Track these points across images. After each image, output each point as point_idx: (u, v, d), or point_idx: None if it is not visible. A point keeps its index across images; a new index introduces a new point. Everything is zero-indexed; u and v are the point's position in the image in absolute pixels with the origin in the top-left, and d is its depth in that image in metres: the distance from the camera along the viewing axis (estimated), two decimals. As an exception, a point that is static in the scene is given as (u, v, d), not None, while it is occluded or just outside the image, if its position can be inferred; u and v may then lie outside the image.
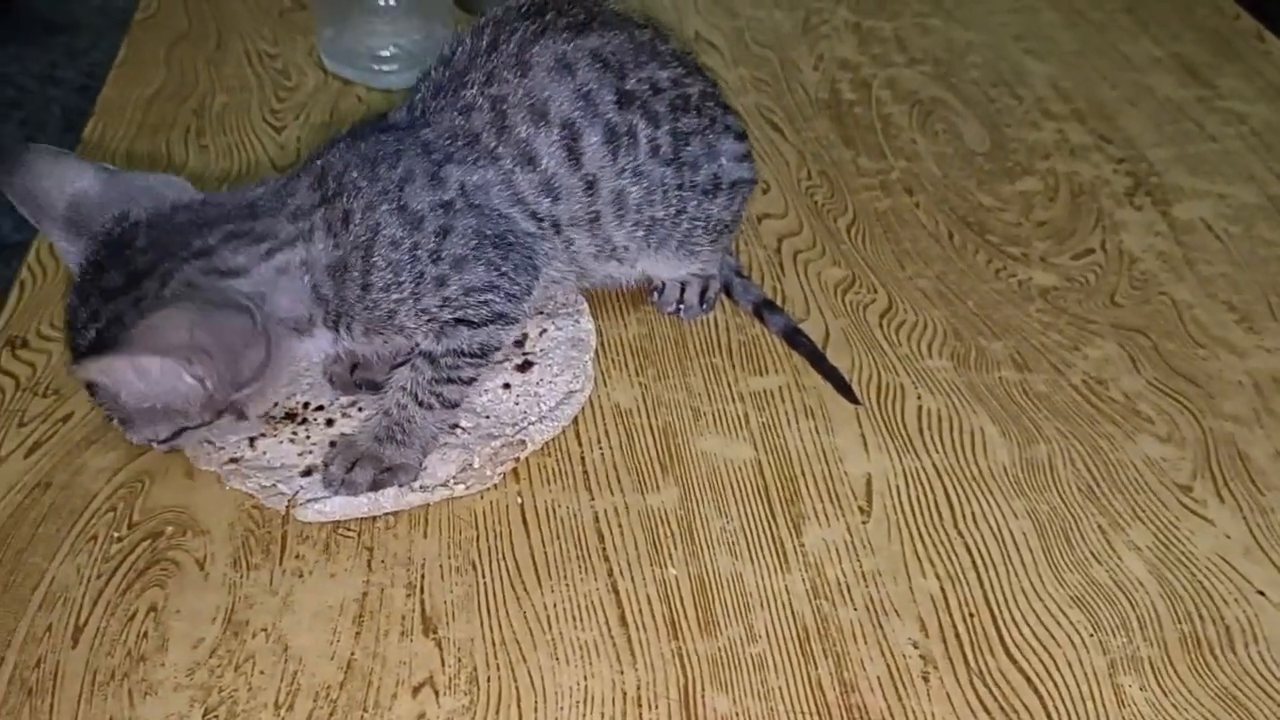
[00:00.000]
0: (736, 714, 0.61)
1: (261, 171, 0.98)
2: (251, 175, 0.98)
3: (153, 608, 0.65)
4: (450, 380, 0.71)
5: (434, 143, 0.71)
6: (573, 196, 0.74)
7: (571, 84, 0.73)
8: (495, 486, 0.73)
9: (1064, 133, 1.09)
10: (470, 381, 0.72)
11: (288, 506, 0.70)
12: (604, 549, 0.69)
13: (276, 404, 0.76)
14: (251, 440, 0.73)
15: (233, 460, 0.72)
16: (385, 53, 1.09)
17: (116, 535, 0.68)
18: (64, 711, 0.60)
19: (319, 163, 0.71)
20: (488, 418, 0.75)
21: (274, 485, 0.71)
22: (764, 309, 0.85)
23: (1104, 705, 0.63)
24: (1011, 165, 1.04)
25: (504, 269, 0.71)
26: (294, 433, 0.74)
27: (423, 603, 0.66)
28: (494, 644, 0.64)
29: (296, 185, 0.70)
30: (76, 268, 0.68)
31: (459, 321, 0.70)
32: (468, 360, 0.71)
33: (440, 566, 0.68)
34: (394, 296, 0.69)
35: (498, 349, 0.73)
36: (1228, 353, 0.85)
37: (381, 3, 1.08)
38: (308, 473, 0.72)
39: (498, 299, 0.71)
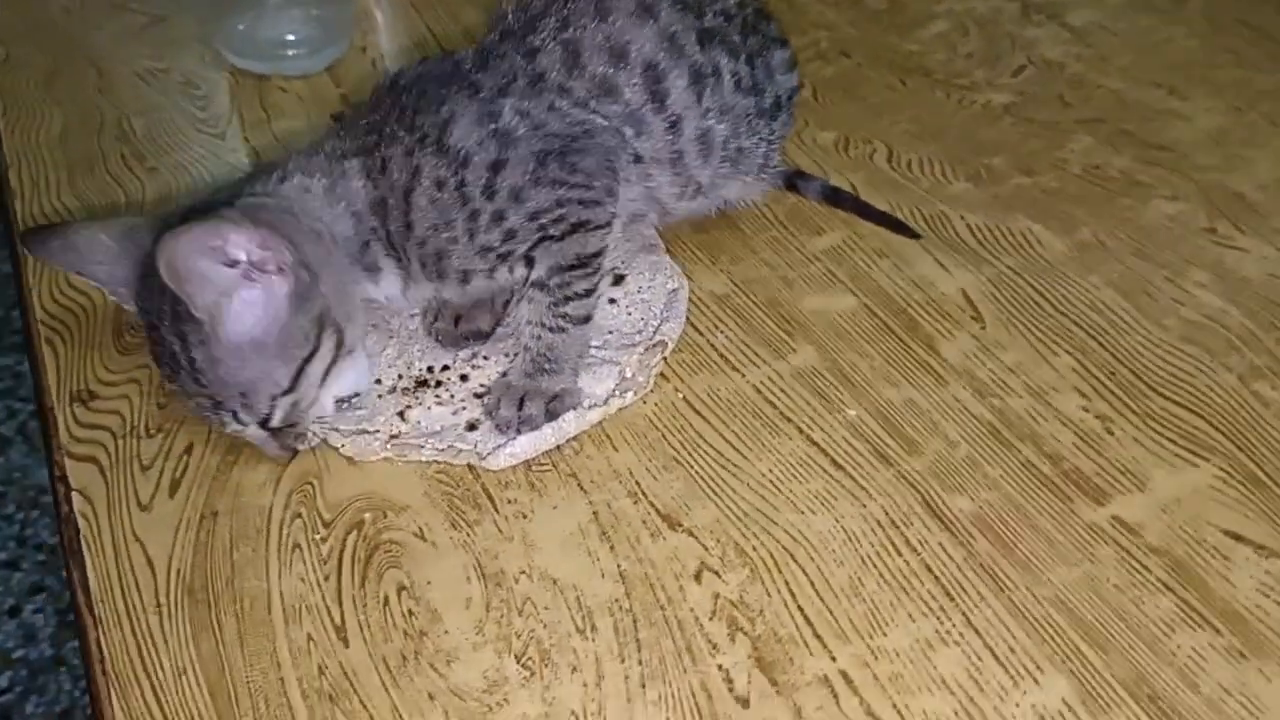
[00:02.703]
0: (979, 508, 0.66)
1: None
2: (218, 186, 0.93)
3: (401, 587, 0.63)
4: (568, 299, 0.71)
5: (484, 83, 0.71)
6: (655, 134, 0.74)
7: (655, 27, 0.73)
8: (652, 390, 0.74)
9: (940, -23, 1.18)
10: (589, 294, 0.72)
11: (475, 460, 0.68)
12: (781, 412, 0.72)
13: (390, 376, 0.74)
14: (401, 415, 0.71)
15: (393, 438, 0.70)
16: (291, 38, 1.05)
17: (319, 537, 0.65)
18: (378, 703, 0.58)
19: (363, 120, 0.71)
20: (612, 333, 0.76)
21: (450, 446, 0.69)
22: (795, 179, 0.89)
23: (1254, 410, 0.71)
24: (915, 14, 1.12)
25: (573, 180, 0.70)
26: (437, 396, 0.72)
27: (653, 504, 0.67)
28: (739, 518, 0.66)
29: (326, 137, 0.72)
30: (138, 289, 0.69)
31: (541, 240, 0.70)
32: (572, 275, 0.71)
33: (647, 470, 0.69)
34: (444, 235, 0.69)
35: (597, 255, 0.72)
36: (1176, 119, 0.96)
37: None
38: (472, 427, 0.71)
39: (571, 210, 0.70)
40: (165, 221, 0.67)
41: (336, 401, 0.70)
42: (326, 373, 0.67)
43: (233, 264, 0.63)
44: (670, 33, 0.74)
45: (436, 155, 0.68)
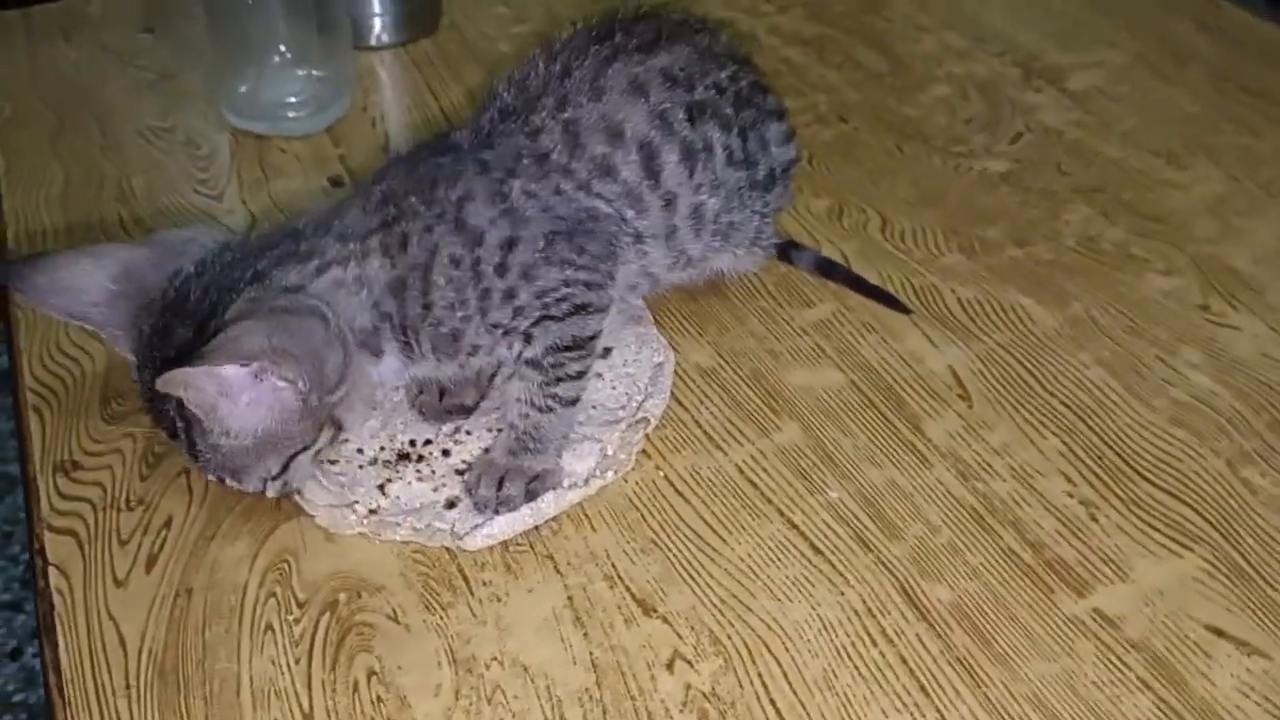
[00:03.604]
0: (958, 598, 0.65)
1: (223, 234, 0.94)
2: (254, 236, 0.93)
3: (371, 672, 0.62)
4: (559, 380, 0.71)
5: (494, 162, 0.71)
6: (651, 211, 0.75)
7: (646, 105, 0.74)
8: (633, 468, 0.73)
9: (943, 40, 1.18)
10: (580, 376, 0.72)
11: (452, 540, 0.68)
12: (762, 493, 0.72)
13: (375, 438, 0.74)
14: (381, 488, 0.71)
15: (371, 513, 0.70)
16: (292, 99, 1.06)
17: (292, 617, 0.65)
18: (342, 794, 0.57)
19: (377, 188, 0.71)
20: (596, 408, 0.76)
21: (428, 525, 0.69)
22: (789, 249, 0.88)
23: (1241, 498, 0.70)
24: (916, 77, 1.12)
25: (580, 261, 0.71)
26: (417, 471, 0.72)
27: (629, 589, 0.66)
28: (715, 605, 0.65)
29: (346, 209, 0.71)
30: (136, 342, 0.68)
31: (542, 319, 0.71)
32: (567, 356, 0.71)
33: (625, 553, 0.68)
34: (459, 314, 0.69)
35: (593, 338, 0.73)
36: (1173, 190, 0.96)
37: (277, 57, 1.05)
38: (451, 505, 0.70)
39: (576, 291, 0.71)
40: (173, 271, 0.68)
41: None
42: (319, 453, 0.68)
43: (242, 364, 0.63)
44: (660, 110, 0.74)
45: (454, 233, 0.69)
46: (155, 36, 1.21)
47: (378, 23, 1.17)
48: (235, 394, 0.64)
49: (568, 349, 0.71)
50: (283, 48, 1.04)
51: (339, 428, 0.68)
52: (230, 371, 0.63)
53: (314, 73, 1.06)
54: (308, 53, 1.05)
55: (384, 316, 0.69)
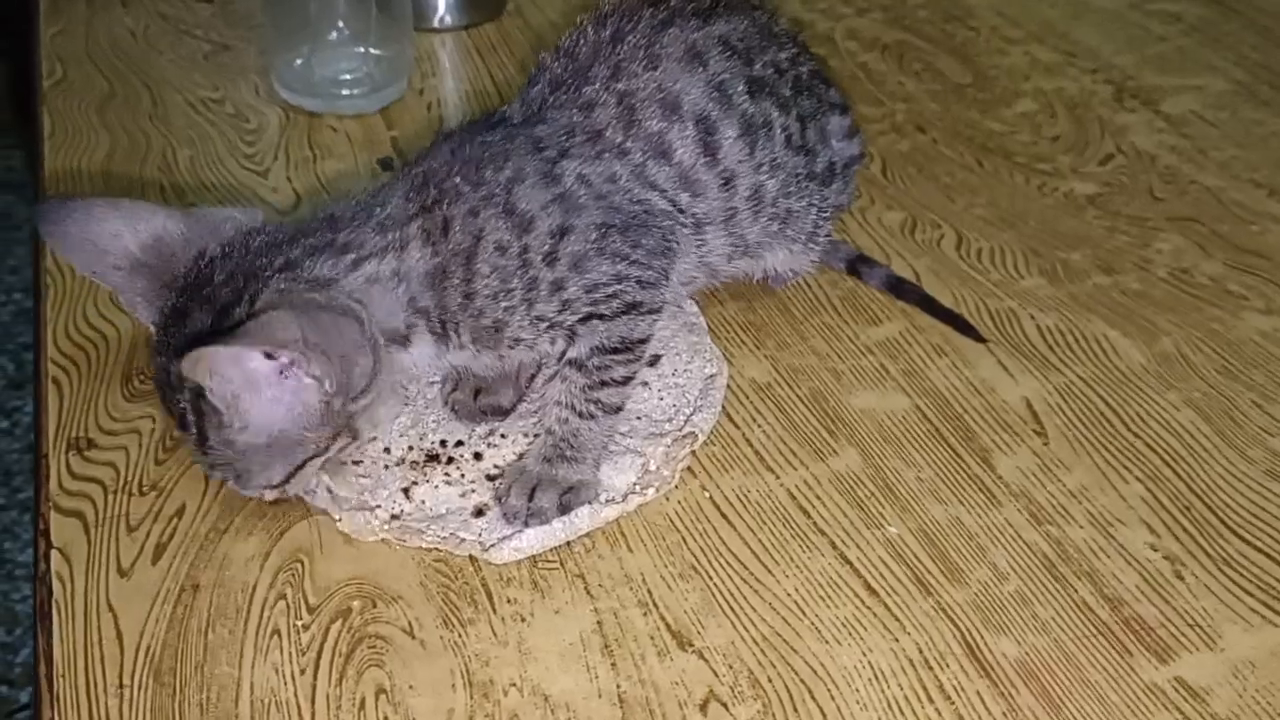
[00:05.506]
0: (1025, 654, 0.59)
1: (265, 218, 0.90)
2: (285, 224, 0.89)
3: (381, 689, 0.58)
4: (604, 384, 0.67)
5: (547, 139, 0.67)
6: (709, 193, 0.70)
7: (704, 75, 0.69)
8: (676, 486, 0.68)
9: (1031, 54, 1.12)
10: (625, 381, 0.67)
11: (477, 551, 0.64)
12: (814, 523, 0.66)
13: (384, 445, 0.69)
14: (406, 491, 0.66)
15: (394, 518, 0.65)
16: (347, 77, 1.02)
17: (301, 623, 0.61)
18: (338, 823, 0.53)
19: (419, 170, 0.66)
20: (640, 419, 0.71)
21: (453, 534, 0.64)
22: (859, 264, 0.83)
23: (1345, 564, 0.64)
24: (1001, 91, 1.06)
25: (634, 256, 0.66)
26: (446, 474, 0.68)
27: (664, 618, 0.61)
28: (755, 642, 0.60)
29: (388, 195, 0.66)
30: (156, 320, 0.63)
31: (590, 317, 0.66)
32: (614, 359, 0.67)
33: (662, 578, 0.63)
34: (503, 305, 0.64)
35: (643, 342, 0.68)
36: (1275, 224, 0.89)
37: (334, 33, 1.01)
38: (479, 513, 0.66)
39: (628, 289, 0.66)
40: (199, 250, 0.63)
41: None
42: (326, 461, 0.63)
43: (269, 356, 0.58)
44: (719, 81, 0.70)
45: (501, 217, 0.64)
46: (213, 7, 1.18)
47: (441, 4, 1.13)
48: (259, 387, 0.59)
49: (615, 351, 0.66)
50: (340, 23, 1.01)
51: (354, 437, 0.63)
52: (257, 363, 0.58)
53: (371, 51, 1.02)
54: (366, 30, 1.01)
55: (420, 313, 0.64)
